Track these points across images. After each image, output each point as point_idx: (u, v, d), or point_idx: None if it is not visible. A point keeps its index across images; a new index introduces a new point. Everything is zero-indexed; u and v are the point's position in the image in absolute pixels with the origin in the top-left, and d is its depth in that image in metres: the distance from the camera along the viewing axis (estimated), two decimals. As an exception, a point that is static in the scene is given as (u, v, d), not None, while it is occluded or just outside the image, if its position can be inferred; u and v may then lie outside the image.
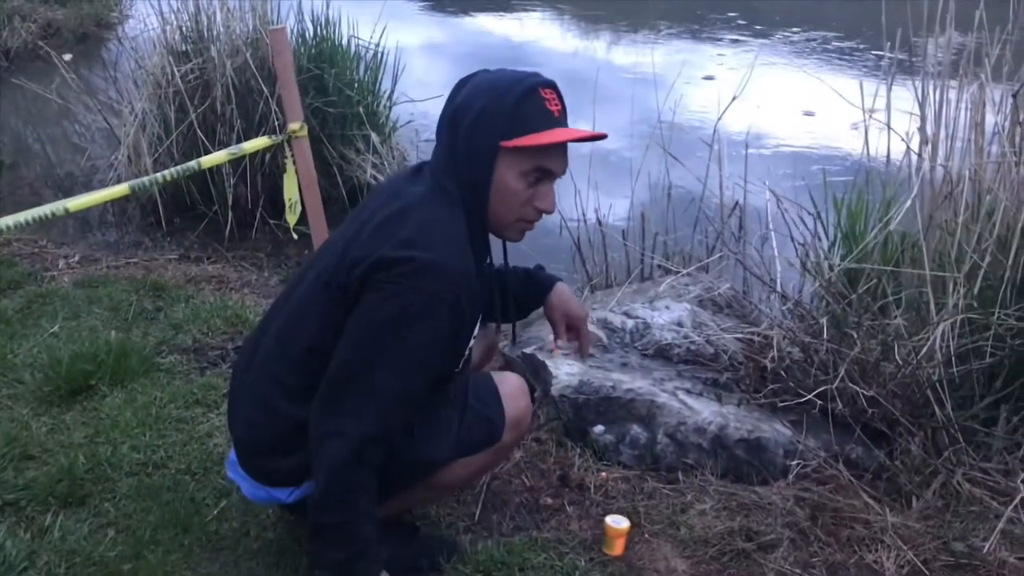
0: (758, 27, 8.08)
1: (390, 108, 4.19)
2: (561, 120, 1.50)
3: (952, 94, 2.40)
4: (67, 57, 5.17)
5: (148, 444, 2.19)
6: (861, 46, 7.27)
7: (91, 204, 1.88)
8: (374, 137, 3.88)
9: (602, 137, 1.57)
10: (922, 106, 2.30)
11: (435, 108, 4.13)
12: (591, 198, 3.02)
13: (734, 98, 2.86)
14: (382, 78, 4.16)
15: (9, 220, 1.83)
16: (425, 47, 7.05)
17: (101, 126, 3.97)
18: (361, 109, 3.92)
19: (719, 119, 2.90)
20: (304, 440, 1.46)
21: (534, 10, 9.27)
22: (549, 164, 1.50)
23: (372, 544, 1.48)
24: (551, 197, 1.54)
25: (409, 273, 1.40)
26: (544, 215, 1.55)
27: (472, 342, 1.63)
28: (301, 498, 1.57)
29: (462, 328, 1.50)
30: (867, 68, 6.65)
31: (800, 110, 5.51)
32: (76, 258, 3.37)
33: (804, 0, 8.81)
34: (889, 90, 2.41)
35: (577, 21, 8.81)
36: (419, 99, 4.09)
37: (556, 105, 1.50)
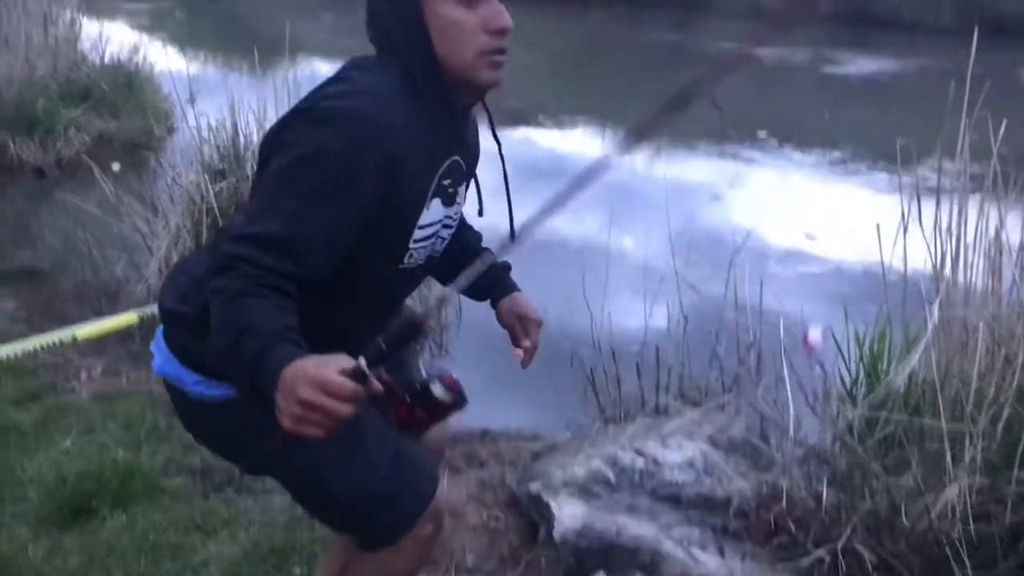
0: (791, 144, 8.16)
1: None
2: None
3: (971, 234, 2.38)
4: (115, 167, 5.37)
5: (142, 572, 2.16)
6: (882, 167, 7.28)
7: (99, 334, 1.91)
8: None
9: None
10: (936, 252, 2.28)
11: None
12: (604, 323, 3.02)
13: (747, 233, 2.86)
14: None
15: (17, 347, 1.86)
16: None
17: (137, 240, 4.08)
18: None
19: (739, 249, 2.91)
20: None
21: (578, 121, 9.49)
22: None
23: (266, 323, 1.18)
24: (501, 12, 1.35)
25: (307, 122, 1.27)
26: (505, 36, 1.35)
27: (421, 231, 1.37)
28: (203, 397, 1.40)
29: (367, 186, 1.26)
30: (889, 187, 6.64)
31: (807, 231, 5.52)
32: (99, 370, 3.41)
33: (839, 119, 8.90)
34: (906, 232, 2.39)
35: (619, 130, 8.99)
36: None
37: None
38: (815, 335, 1.76)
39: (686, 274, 3.10)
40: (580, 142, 8.63)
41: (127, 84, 7.16)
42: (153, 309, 2.05)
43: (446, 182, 1.38)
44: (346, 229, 1.27)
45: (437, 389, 1.33)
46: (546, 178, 7.69)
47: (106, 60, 7.57)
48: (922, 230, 2.32)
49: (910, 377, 2.33)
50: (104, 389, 3.23)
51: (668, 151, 8.15)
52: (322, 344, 1.17)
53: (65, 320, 3.86)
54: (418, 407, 1.36)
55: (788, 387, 2.50)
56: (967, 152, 2.36)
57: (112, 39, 7.94)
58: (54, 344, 1.92)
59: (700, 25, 16.07)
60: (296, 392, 1.08)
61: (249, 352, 1.15)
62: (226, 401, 1.38)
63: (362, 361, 1.11)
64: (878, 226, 2.49)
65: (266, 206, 1.26)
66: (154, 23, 13.24)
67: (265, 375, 1.12)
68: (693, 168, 7.46)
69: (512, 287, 1.69)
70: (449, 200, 1.41)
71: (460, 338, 3.90)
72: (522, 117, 9.46)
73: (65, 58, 6.99)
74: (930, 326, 2.19)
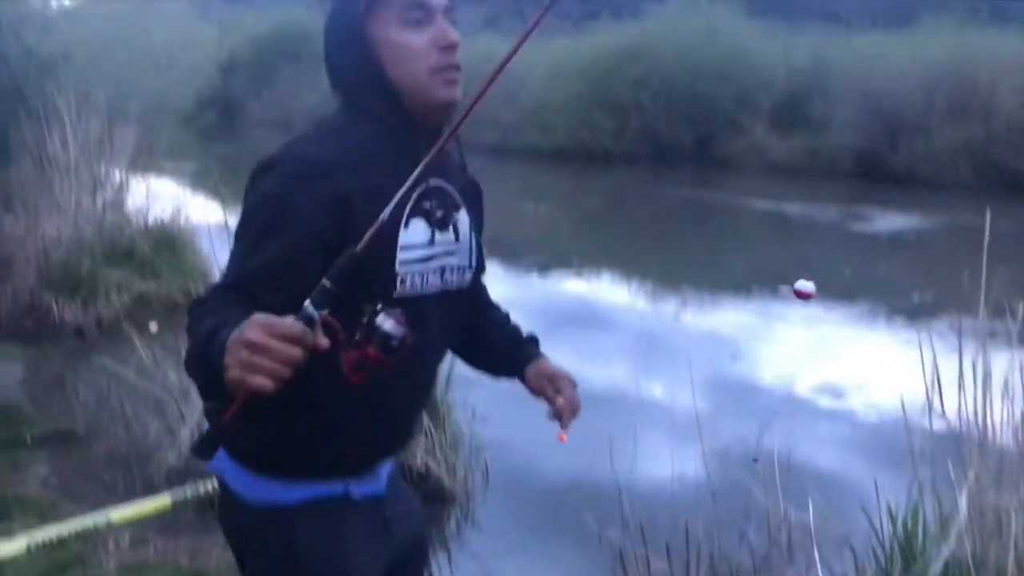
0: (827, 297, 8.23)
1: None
2: None
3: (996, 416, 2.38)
4: (152, 328, 5.51)
5: None
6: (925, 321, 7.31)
7: (134, 518, 1.94)
8: (425, 421, 3.93)
9: None
10: (962, 439, 2.28)
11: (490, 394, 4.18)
12: (631, 489, 3.02)
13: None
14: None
15: (51, 532, 1.89)
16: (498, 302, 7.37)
17: (172, 404, 4.15)
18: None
19: (766, 424, 2.92)
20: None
21: (604, 272, 9.66)
22: None
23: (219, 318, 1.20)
24: (448, 30, 1.36)
25: (254, 178, 1.33)
26: (454, 52, 1.37)
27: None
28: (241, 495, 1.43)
29: (312, 218, 1.27)
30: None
31: (831, 387, 5.51)
32: (127, 539, 3.42)
33: (870, 271, 9.00)
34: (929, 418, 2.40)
35: (644, 282, 9.12)
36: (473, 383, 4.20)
37: None
38: (806, 286, 1.78)
39: (715, 434, 3.09)
40: (605, 291, 8.77)
41: (168, 245, 7.42)
42: (186, 491, 2.10)
43: (427, 204, 1.39)
44: (297, 258, 1.26)
45: (386, 323, 1.25)
46: (571, 325, 7.84)
47: (149, 222, 7.89)
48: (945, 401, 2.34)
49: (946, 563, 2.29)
50: (131, 561, 3.22)
51: (694, 303, 8.28)
52: (356, 441, 1.33)
53: (98, 485, 3.91)
54: (369, 344, 1.26)
55: (819, 567, 2.47)
56: (985, 321, 2.40)
57: (156, 200, 8.29)
58: (88, 529, 1.95)
59: (718, 180, 16.52)
60: (242, 335, 1.07)
61: (203, 338, 1.18)
62: (257, 506, 1.41)
63: (307, 304, 1.12)
64: (902, 401, 2.52)
65: (228, 264, 1.33)
66: (196, 182, 13.82)
67: (216, 349, 1.12)
68: (718, 321, 7.52)
69: (538, 355, 1.65)
70: (439, 224, 1.41)
71: (488, 510, 3.88)
72: (548, 268, 9.68)
73: (111, 221, 7.28)
74: (962, 511, 2.17)
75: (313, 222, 1.27)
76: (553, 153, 19.21)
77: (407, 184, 1.22)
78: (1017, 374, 2.34)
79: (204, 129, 9.35)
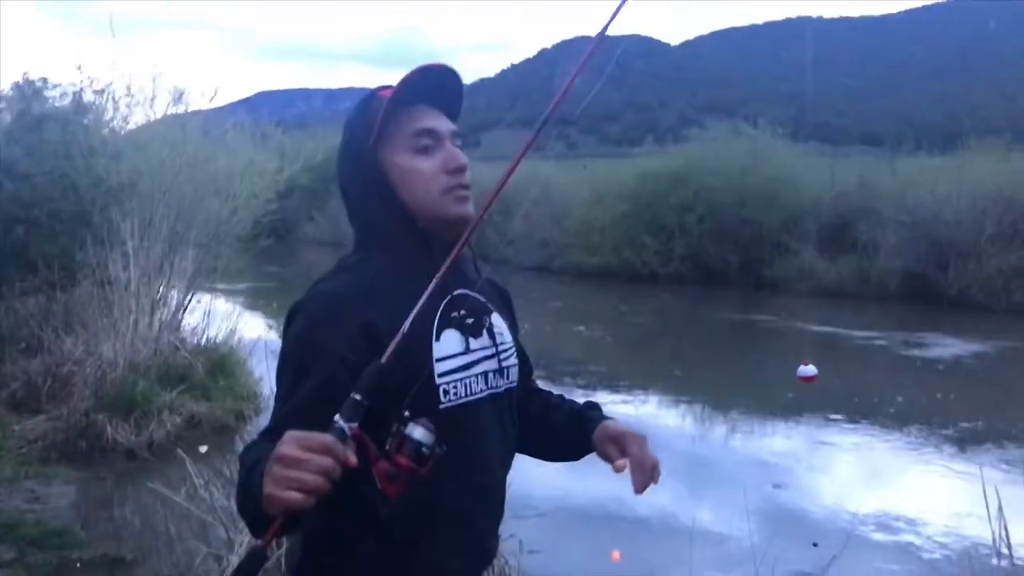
0: (873, 425, 8.04)
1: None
2: None
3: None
4: (202, 450, 5.55)
5: None
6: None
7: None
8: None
9: (442, 70, 1.44)
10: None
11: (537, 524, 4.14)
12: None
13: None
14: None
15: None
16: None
17: (220, 531, 4.14)
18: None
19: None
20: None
21: (651, 394, 9.57)
22: (425, 123, 1.43)
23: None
24: (456, 154, 1.44)
25: (285, 328, 1.40)
26: (463, 173, 1.44)
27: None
28: None
29: (341, 354, 1.31)
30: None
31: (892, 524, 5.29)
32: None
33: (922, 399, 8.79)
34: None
35: (692, 404, 9.02)
36: (523, 516, 4.14)
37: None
38: (807, 370, 1.72)
39: (768, 566, 2.99)
40: (653, 413, 8.67)
41: (221, 366, 7.55)
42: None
43: (456, 314, 1.42)
44: (332, 395, 1.25)
45: (415, 430, 1.23)
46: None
47: (203, 342, 8.06)
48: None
49: None
50: None
51: (743, 427, 8.14)
52: (428, 565, 1.33)
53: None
54: (399, 454, 1.24)
55: None
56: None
57: (211, 320, 8.49)
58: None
59: (765, 303, 16.45)
60: (276, 452, 1.12)
61: (245, 473, 1.24)
62: None
63: (337, 417, 1.15)
64: (965, 537, 2.42)
65: (273, 410, 1.38)
66: (250, 302, 14.13)
67: (256, 479, 1.16)
68: (768, 446, 7.37)
69: (602, 418, 1.61)
70: (472, 330, 1.43)
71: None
72: (594, 389, 9.62)
73: (167, 342, 7.45)
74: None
75: (341, 357, 1.31)
76: (598, 272, 19.38)
77: (425, 295, 1.28)
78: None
79: (261, 251, 9.63)
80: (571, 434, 1.62)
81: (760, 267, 18.33)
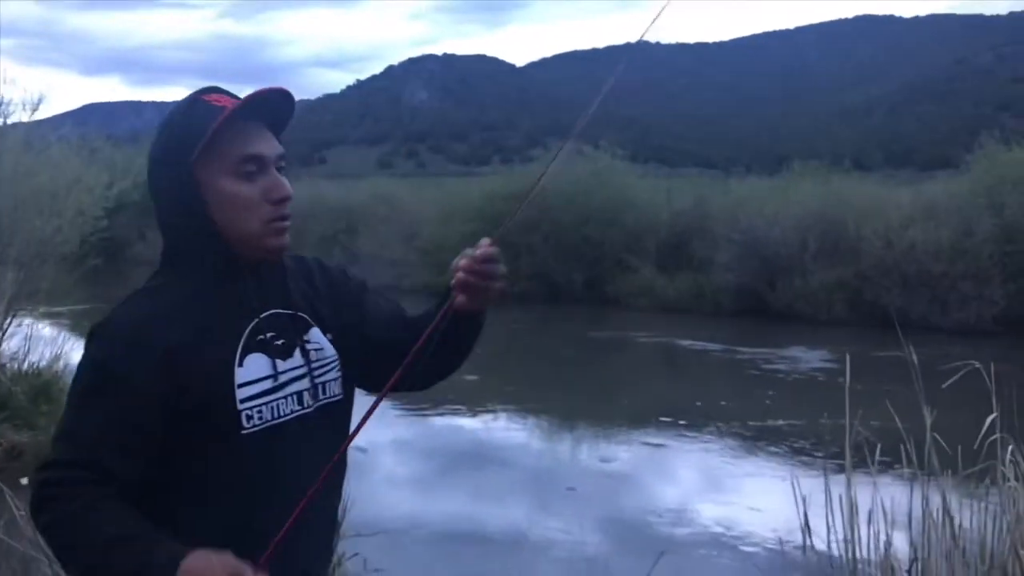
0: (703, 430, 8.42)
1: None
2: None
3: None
4: (24, 481, 5.19)
5: None
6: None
7: None
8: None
9: (281, 92, 1.38)
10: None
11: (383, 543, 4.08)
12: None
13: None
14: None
15: None
16: (395, 444, 7.36)
17: (43, 567, 3.88)
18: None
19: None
20: None
21: (499, 410, 9.66)
22: (255, 149, 1.36)
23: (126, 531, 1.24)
24: (280, 183, 1.38)
25: (83, 351, 1.36)
26: (286, 204, 1.39)
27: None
28: None
29: (139, 380, 1.29)
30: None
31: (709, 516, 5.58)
32: None
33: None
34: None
35: (539, 419, 9.18)
36: (366, 534, 4.10)
37: (226, 101, 1.37)
38: None
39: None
40: (501, 429, 8.76)
41: (44, 392, 7.10)
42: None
43: (262, 337, 1.39)
44: (132, 421, 1.28)
45: None
46: (467, 465, 7.73)
47: (25, 368, 7.56)
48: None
49: None
50: None
51: (588, 438, 8.35)
52: (244, 542, 1.25)
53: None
54: None
55: None
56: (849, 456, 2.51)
57: (33, 345, 7.98)
58: None
59: (608, 319, 16.98)
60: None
61: (124, 566, 1.20)
62: None
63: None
64: (780, 541, 2.59)
65: (59, 431, 1.33)
66: (76, 324, 13.35)
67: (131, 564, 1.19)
68: (612, 455, 7.59)
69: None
70: (281, 352, 1.40)
71: None
72: (443, 407, 9.62)
73: (-16, 368, 6.94)
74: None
75: (139, 384, 1.29)
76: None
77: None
78: (880, 505, 2.44)
79: (89, 272, 9.12)
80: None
81: (603, 284, 18.88)
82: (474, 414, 9.36)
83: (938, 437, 2.39)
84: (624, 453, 7.74)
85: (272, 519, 1.30)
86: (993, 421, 2.31)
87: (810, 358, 12.56)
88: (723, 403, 9.65)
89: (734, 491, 6.40)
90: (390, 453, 7.18)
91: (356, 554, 4.04)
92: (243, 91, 1.44)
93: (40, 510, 1.28)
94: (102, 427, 1.29)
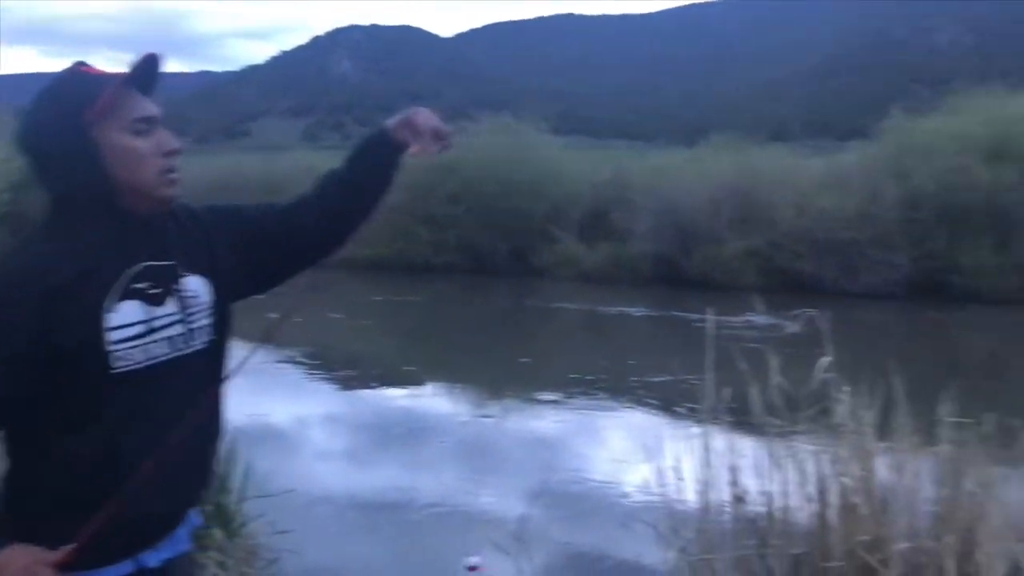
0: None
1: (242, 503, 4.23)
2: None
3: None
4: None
5: None
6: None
7: None
8: (218, 534, 3.88)
9: (159, 58, 1.53)
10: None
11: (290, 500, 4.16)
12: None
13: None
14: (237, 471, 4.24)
15: None
16: (321, 417, 7.47)
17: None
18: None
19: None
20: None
21: (428, 382, 9.77)
22: (147, 111, 1.52)
23: None
24: (170, 137, 1.54)
25: None
26: (176, 156, 1.54)
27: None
28: None
29: (18, 322, 1.41)
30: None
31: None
32: None
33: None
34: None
35: (467, 389, 9.31)
36: (273, 493, 4.19)
37: (102, 71, 1.53)
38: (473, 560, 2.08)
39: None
40: (430, 401, 8.87)
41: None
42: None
43: (140, 285, 1.50)
44: (13, 354, 1.41)
45: None
46: (398, 438, 7.74)
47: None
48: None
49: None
50: None
51: (515, 406, 8.51)
52: (114, 474, 1.42)
53: None
54: None
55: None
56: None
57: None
58: None
59: (533, 289, 17.19)
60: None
61: None
62: None
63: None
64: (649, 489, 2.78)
65: None
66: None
67: None
68: (539, 422, 7.77)
69: (381, 127, 1.76)
70: (156, 299, 1.52)
71: None
72: (372, 381, 9.72)
73: None
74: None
75: (18, 321, 1.41)
76: (372, 264, 19.42)
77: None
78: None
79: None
80: (363, 163, 1.77)
81: (528, 255, 19.08)
82: (400, 386, 9.47)
83: (787, 384, 2.61)
84: (547, 419, 7.93)
85: (139, 455, 1.43)
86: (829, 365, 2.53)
87: (721, 323, 12.96)
88: (636, 365, 9.93)
89: (653, 450, 6.61)
90: (316, 426, 7.25)
91: (261, 516, 4.13)
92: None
93: None
94: None
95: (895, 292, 15.32)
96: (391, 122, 1.76)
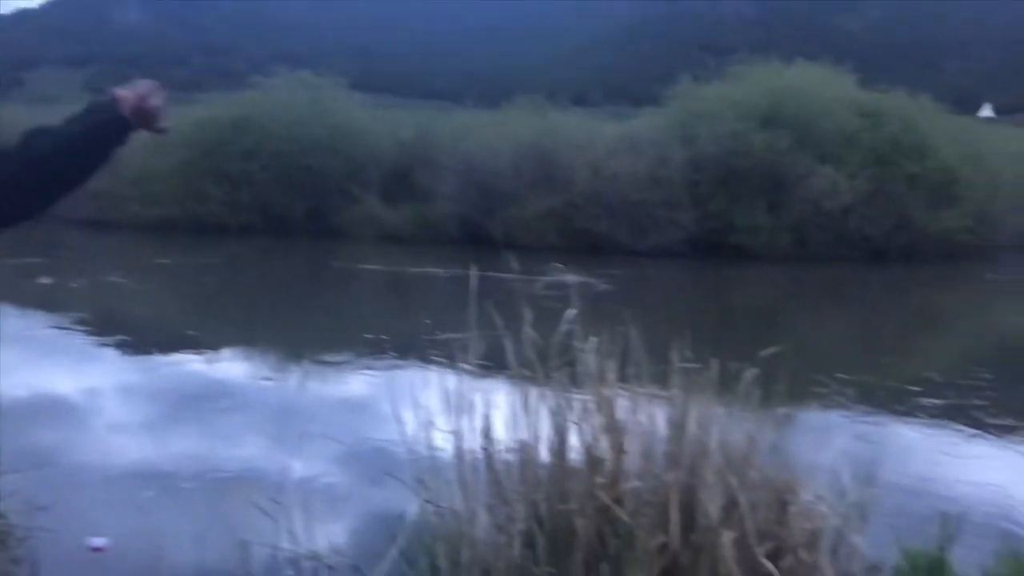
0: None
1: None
2: None
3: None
4: None
5: None
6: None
7: None
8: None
9: None
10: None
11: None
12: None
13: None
14: None
15: None
16: (117, 389, 6.93)
17: None
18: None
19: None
20: None
21: (226, 347, 9.37)
22: None
23: None
24: None
25: None
26: None
27: None
28: None
29: None
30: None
31: None
32: None
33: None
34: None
35: (267, 353, 9.04)
36: (22, 469, 3.92)
37: None
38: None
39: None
40: (229, 368, 8.52)
41: None
42: None
43: None
44: None
45: None
46: (198, 407, 7.39)
47: None
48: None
49: None
50: None
51: (317, 372, 8.34)
52: None
53: None
54: None
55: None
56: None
57: None
58: None
59: (333, 250, 16.90)
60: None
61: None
62: None
63: None
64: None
65: None
66: None
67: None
68: (343, 387, 7.65)
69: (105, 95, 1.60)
70: None
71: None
72: (165, 348, 9.21)
73: None
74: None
75: None
76: (160, 225, 18.42)
77: None
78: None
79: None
80: (84, 127, 1.60)
81: (327, 215, 18.70)
82: (200, 354, 9.01)
83: (538, 338, 2.70)
84: (348, 382, 7.82)
85: None
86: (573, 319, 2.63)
87: (520, 282, 13.27)
88: (430, 324, 9.98)
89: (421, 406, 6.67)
90: (110, 398, 6.77)
91: (15, 492, 3.86)
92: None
93: None
94: None
95: (682, 250, 16.19)
96: (121, 91, 1.60)
